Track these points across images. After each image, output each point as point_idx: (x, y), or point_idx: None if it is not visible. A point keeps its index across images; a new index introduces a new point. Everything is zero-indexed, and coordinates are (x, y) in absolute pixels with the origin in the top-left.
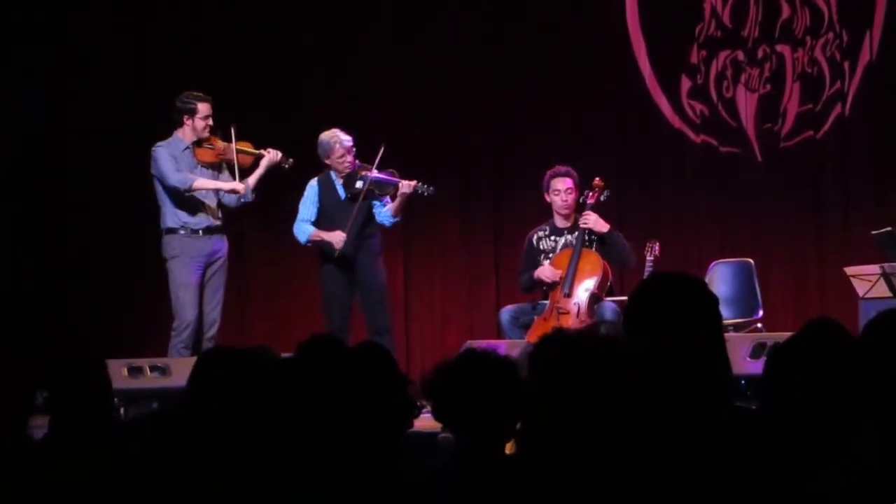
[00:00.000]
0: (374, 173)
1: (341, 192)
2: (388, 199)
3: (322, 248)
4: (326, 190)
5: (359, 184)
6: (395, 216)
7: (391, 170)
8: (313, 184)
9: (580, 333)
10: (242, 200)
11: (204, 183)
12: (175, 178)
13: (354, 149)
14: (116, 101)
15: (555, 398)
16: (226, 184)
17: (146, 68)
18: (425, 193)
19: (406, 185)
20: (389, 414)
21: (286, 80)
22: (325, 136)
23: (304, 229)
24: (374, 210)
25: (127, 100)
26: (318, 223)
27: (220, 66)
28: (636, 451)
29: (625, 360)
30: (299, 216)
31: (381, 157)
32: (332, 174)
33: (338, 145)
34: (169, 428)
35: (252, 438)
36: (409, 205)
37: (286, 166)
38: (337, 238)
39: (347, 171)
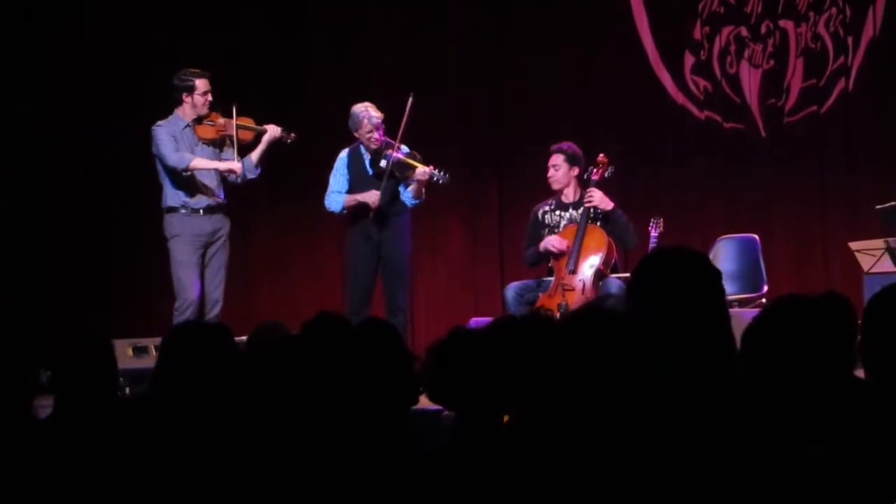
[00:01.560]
0: (397, 154)
1: (368, 167)
2: (410, 182)
3: (354, 214)
4: (355, 162)
5: (383, 163)
6: (415, 198)
7: (414, 152)
8: (343, 155)
9: (583, 308)
10: (249, 177)
11: (201, 163)
12: (173, 158)
13: (383, 126)
14: (117, 83)
15: (556, 372)
16: (222, 164)
17: (146, 51)
18: (440, 181)
19: (421, 173)
20: (395, 391)
21: (290, 58)
22: (357, 108)
23: (336, 199)
24: (400, 188)
25: (128, 82)
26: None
27: (223, 52)
28: (638, 425)
29: (627, 333)
30: (330, 188)
31: (407, 116)
32: (362, 147)
33: (366, 120)
34: (141, 410)
35: (244, 415)
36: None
37: (288, 141)
38: (372, 198)
39: (374, 146)
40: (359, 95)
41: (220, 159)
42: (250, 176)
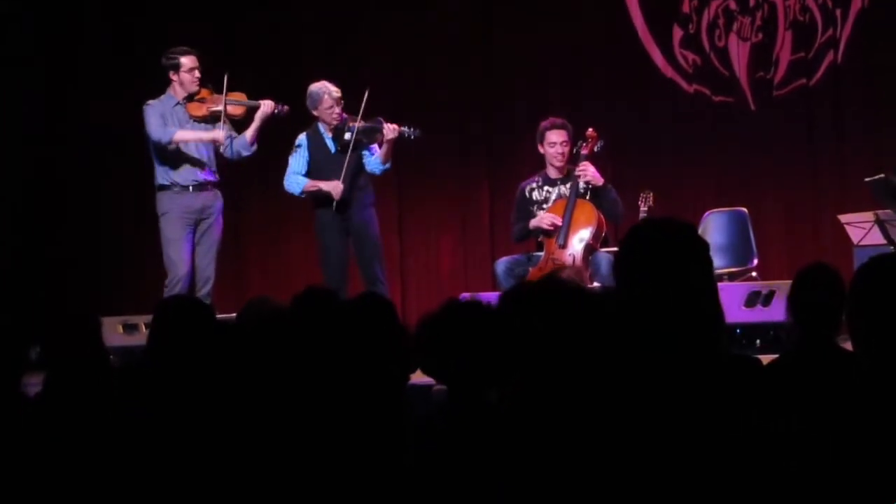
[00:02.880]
0: (361, 123)
1: (331, 145)
2: (376, 147)
3: (317, 199)
4: (316, 142)
5: (347, 135)
6: (384, 163)
7: (378, 117)
8: (302, 137)
9: (541, 282)
10: (244, 154)
11: (185, 135)
12: (157, 133)
13: (343, 100)
14: (110, 67)
15: (530, 346)
16: (206, 133)
17: (137, 36)
18: (412, 136)
19: (390, 130)
20: (390, 365)
21: (282, 41)
22: (315, 87)
23: (296, 181)
24: (364, 160)
25: (120, 65)
26: (309, 176)
27: (215, 34)
28: (624, 400)
29: (593, 306)
30: (289, 169)
31: (365, 104)
32: (321, 127)
33: (326, 96)
34: (131, 381)
35: (236, 390)
36: (399, 153)
37: (281, 114)
38: (335, 188)
39: (335, 122)
40: (349, 72)
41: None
42: (245, 153)
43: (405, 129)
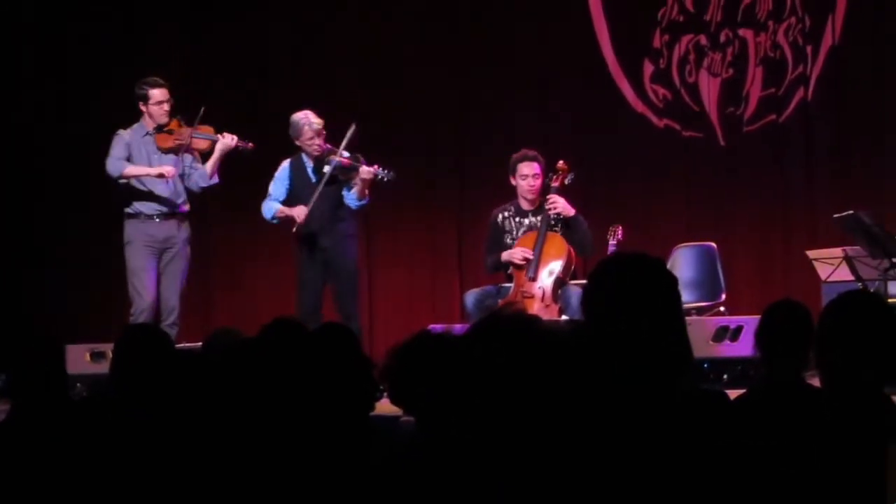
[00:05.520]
0: (340, 158)
1: (312, 175)
2: (354, 183)
3: (291, 227)
4: (297, 171)
5: (326, 167)
6: (359, 199)
7: (357, 154)
8: (285, 165)
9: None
10: (202, 185)
11: (132, 170)
12: (110, 165)
13: (325, 132)
14: (77, 88)
15: (490, 382)
16: (154, 169)
17: (108, 53)
18: (385, 179)
19: (366, 172)
20: (353, 395)
21: (251, 58)
22: (297, 117)
23: (270, 206)
24: (343, 192)
25: (90, 85)
26: (289, 204)
27: (186, 47)
28: (590, 435)
29: (544, 340)
30: (268, 195)
31: (349, 139)
32: (304, 156)
33: (307, 127)
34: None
35: (199, 419)
36: (373, 188)
37: (245, 151)
38: (299, 212)
39: (316, 153)
40: (317, 101)
41: (181, 167)
42: (203, 185)
43: (380, 171)
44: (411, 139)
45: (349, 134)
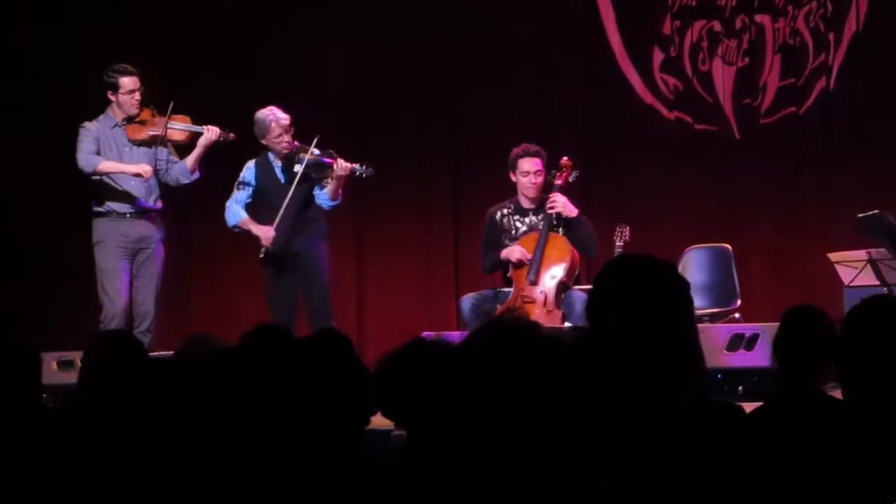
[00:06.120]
0: (312, 155)
1: (281, 175)
2: (327, 182)
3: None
4: (265, 172)
5: (296, 167)
6: (333, 199)
7: (330, 150)
8: (250, 165)
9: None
10: (183, 181)
11: (108, 166)
12: (81, 160)
13: (293, 128)
14: (45, 84)
15: (489, 393)
16: (130, 167)
17: (79, 42)
18: (364, 175)
19: (342, 168)
20: (349, 411)
21: (233, 41)
22: (261, 114)
23: (235, 212)
24: (314, 192)
25: (57, 82)
26: (256, 206)
27: (159, 37)
28: (594, 451)
29: (549, 348)
30: (232, 198)
31: (318, 140)
32: (271, 155)
33: (274, 124)
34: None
35: (173, 432)
36: (348, 186)
37: (227, 142)
38: (266, 235)
39: (285, 151)
40: (305, 93)
41: (154, 161)
42: (184, 181)
43: (357, 167)
44: (403, 132)
45: (317, 139)
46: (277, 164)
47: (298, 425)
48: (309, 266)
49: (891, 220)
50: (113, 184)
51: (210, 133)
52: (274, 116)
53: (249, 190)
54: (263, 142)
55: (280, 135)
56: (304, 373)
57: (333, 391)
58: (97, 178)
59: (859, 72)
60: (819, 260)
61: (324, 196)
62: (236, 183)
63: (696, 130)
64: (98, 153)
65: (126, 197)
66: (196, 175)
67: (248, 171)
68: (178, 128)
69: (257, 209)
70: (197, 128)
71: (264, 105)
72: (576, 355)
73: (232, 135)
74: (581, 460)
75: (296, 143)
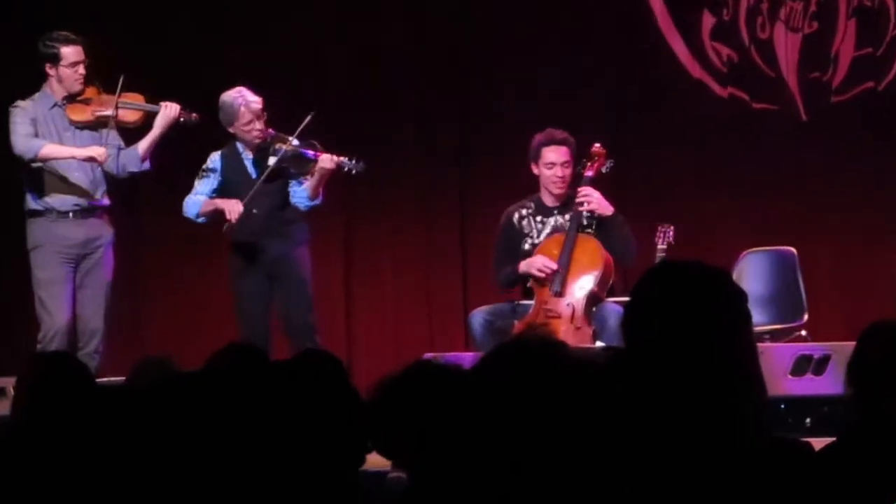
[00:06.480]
0: (293, 145)
1: (251, 169)
2: (307, 178)
3: (233, 238)
4: (232, 164)
5: (271, 159)
6: (312, 198)
7: (314, 141)
8: (215, 157)
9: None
10: (131, 170)
11: (54, 150)
12: (19, 144)
13: (266, 113)
14: None
15: (506, 426)
16: (80, 150)
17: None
18: (353, 171)
19: (328, 160)
20: (340, 444)
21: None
22: (228, 96)
23: (194, 201)
24: (290, 189)
25: None
26: None
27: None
28: (631, 499)
29: (583, 373)
30: (193, 190)
31: (305, 125)
32: (239, 146)
33: (243, 108)
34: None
35: (119, 468)
36: (333, 181)
37: (189, 123)
38: (231, 207)
39: (257, 141)
40: (287, 71)
41: (102, 146)
42: (133, 170)
43: (346, 160)
44: (406, 118)
45: (306, 121)
46: (248, 157)
47: (278, 467)
48: (288, 274)
49: None
50: (53, 175)
51: (168, 110)
52: (243, 100)
53: (214, 182)
54: (231, 130)
55: (250, 121)
56: (285, 402)
57: (320, 424)
58: (36, 166)
59: None
60: None
61: (302, 193)
62: (197, 178)
63: (754, 110)
64: (36, 136)
65: (67, 191)
66: (146, 165)
67: (213, 162)
68: (131, 107)
69: None
70: (152, 106)
71: (234, 84)
72: (609, 380)
73: (195, 115)
74: None
75: (270, 130)
